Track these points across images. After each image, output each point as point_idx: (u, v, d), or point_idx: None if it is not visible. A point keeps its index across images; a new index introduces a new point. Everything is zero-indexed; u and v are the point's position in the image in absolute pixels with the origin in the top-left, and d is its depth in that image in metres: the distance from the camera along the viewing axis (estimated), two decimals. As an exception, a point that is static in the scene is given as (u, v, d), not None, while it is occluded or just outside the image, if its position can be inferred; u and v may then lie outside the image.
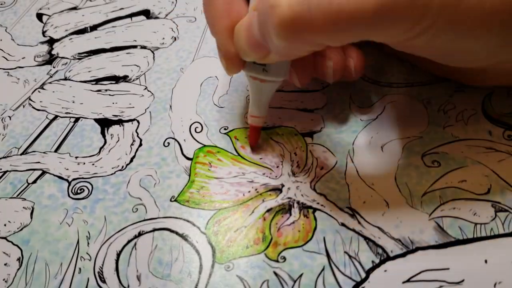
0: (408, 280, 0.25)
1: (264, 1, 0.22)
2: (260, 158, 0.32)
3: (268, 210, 0.29)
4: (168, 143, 0.34)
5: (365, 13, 0.20)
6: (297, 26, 0.21)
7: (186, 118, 0.36)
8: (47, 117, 0.38)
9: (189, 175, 0.32)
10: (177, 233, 0.29)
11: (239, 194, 0.30)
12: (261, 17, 0.23)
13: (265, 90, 0.30)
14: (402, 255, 0.26)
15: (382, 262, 0.26)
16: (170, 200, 0.31)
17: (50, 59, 0.43)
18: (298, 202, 0.29)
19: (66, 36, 0.45)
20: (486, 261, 0.26)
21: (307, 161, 0.32)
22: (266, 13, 0.22)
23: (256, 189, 0.30)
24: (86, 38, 0.45)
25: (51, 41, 0.45)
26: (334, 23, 0.21)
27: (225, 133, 0.34)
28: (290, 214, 0.29)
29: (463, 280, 0.25)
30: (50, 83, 0.41)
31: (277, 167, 0.32)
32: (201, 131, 0.35)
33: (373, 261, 0.26)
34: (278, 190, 0.30)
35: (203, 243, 0.28)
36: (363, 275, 0.26)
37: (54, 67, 0.42)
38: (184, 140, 0.34)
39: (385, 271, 0.26)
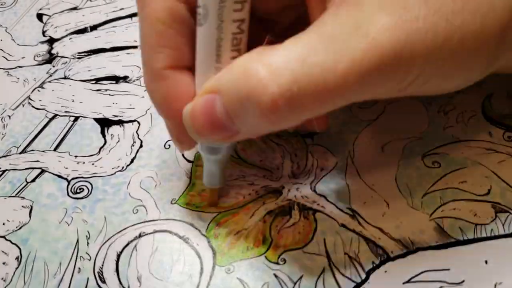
0: (408, 281, 0.25)
1: (238, 85, 0.20)
2: (260, 160, 0.32)
3: (268, 213, 0.29)
4: (169, 145, 0.34)
5: (354, 84, 0.19)
6: (287, 109, 0.20)
7: (187, 119, 0.36)
8: (46, 116, 0.38)
9: (190, 178, 0.32)
10: (178, 235, 0.29)
11: (239, 197, 0.30)
12: (233, 101, 0.21)
13: (220, 160, 0.28)
14: (403, 255, 0.26)
15: (382, 262, 0.26)
16: (171, 203, 0.31)
17: (50, 58, 0.43)
18: (298, 204, 0.29)
19: (66, 35, 0.45)
20: (486, 262, 0.26)
21: (307, 162, 0.32)
22: (245, 98, 0.20)
23: (256, 192, 0.30)
24: (86, 38, 0.45)
25: (51, 41, 0.45)
26: (323, 101, 0.20)
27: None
28: (290, 216, 0.29)
29: (463, 281, 0.25)
30: (49, 82, 0.41)
31: (277, 168, 0.32)
32: (201, 132, 0.35)
33: (373, 262, 0.26)
34: (278, 192, 0.30)
35: (204, 245, 0.28)
36: (363, 276, 0.26)
37: (54, 66, 0.42)
38: (185, 142, 0.34)
39: (386, 271, 0.26)
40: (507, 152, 0.30)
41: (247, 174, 0.31)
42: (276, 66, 0.19)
